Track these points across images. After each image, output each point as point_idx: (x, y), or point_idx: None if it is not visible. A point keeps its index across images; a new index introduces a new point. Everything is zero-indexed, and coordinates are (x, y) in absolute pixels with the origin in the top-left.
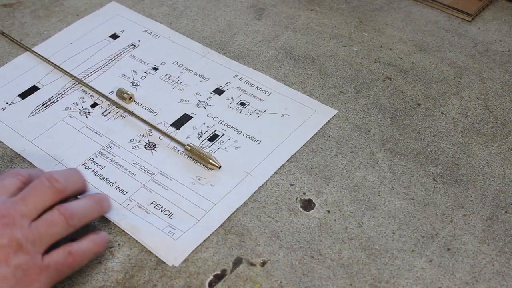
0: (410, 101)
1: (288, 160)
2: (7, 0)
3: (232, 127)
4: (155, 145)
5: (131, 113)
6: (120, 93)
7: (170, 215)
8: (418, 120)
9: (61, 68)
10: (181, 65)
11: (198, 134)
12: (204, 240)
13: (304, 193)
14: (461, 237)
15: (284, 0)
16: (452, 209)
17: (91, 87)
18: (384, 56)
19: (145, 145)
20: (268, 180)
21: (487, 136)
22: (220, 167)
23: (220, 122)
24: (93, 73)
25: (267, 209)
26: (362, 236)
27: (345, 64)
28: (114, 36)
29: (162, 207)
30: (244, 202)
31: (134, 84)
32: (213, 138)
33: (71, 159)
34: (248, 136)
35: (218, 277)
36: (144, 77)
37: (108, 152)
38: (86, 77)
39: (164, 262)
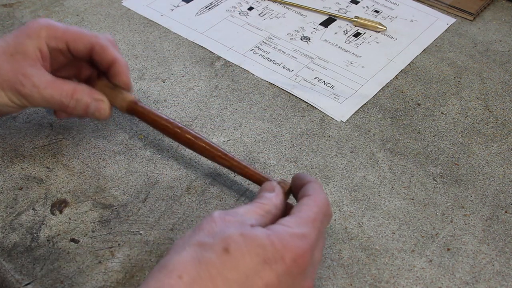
0: (410, 101)
1: (288, 160)
2: (7, 0)
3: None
4: (309, 38)
5: (297, 5)
6: None
7: (332, 87)
8: (418, 120)
9: None
10: None
11: (344, 31)
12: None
13: None
14: (461, 237)
15: None
16: (452, 209)
17: None
18: None
19: (301, 38)
20: None
21: (487, 136)
22: (386, 28)
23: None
24: None
25: None
26: (362, 236)
27: None
28: None
29: (324, 81)
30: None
31: None
32: (356, 35)
33: (240, 46)
34: (386, 35)
35: None
36: None
37: (271, 42)
38: None
39: None
